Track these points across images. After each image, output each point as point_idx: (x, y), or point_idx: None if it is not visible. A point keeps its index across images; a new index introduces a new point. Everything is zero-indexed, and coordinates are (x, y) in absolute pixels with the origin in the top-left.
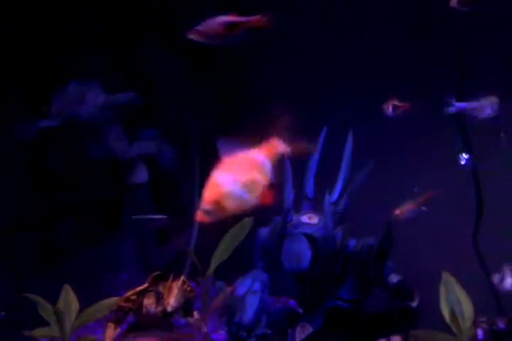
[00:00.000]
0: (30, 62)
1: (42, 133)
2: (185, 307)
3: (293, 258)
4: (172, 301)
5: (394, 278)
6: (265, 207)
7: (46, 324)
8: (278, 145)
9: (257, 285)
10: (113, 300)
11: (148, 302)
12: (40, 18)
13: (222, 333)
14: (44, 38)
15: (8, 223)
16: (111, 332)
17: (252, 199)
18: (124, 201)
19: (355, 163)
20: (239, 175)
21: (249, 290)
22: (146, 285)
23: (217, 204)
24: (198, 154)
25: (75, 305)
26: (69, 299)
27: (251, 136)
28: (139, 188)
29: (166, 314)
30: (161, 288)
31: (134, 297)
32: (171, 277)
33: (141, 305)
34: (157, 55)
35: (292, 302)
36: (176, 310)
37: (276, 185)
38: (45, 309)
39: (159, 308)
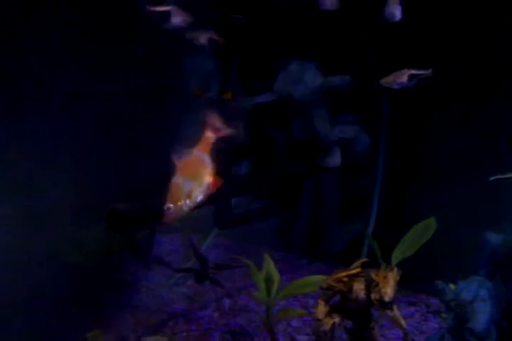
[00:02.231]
0: (257, 43)
1: (258, 108)
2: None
3: None
4: (390, 291)
5: None
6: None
7: None
8: (210, 139)
9: (484, 293)
10: (321, 277)
11: (359, 287)
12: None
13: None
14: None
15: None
16: (322, 308)
17: (202, 189)
18: (312, 182)
19: None
20: (187, 173)
21: (478, 297)
22: (358, 269)
23: (176, 202)
24: (383, 145)
25: (275, 275)
26: (270, 269)
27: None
28: (330, 171)
29: (382, 303)
30: (373, 276)
31: (346, 279)
32: (384, 266)
33: (350, 289)
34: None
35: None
36: (391, 301)
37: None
38: (256, 275)
39: (375, 296)
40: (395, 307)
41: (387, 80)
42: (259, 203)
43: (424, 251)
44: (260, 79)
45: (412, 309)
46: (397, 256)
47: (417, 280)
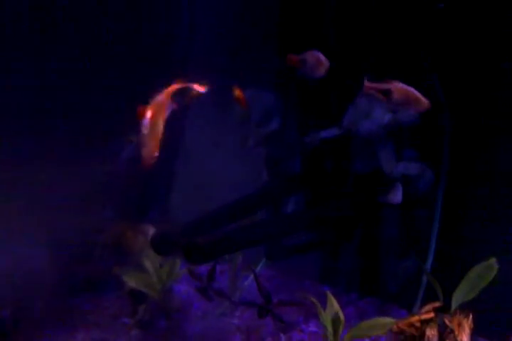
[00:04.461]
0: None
1: (324, 142)
2: None
3: None
4: (465, 339)
5: None
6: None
7: None
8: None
9: None
10: (390, 320)
11: (431, 333)
12: None
13: None
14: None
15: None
16: None
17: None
18: (370, 217)
19: None
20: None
21: None
22: (431, 314)
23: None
24: (444, 180)
25: (341, 315)
26: (335, 308)
27: None
28: (390, 208)
29: None
30: (446, 321)
31: (418, 324)
32: (458, 311)
33: (423, 334)
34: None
35: None
36: None
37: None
38: (322, 315)
39: None
40: None
41: None
42: (311, 234)
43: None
44: (323, 114)
45: None
46: (457, 298)
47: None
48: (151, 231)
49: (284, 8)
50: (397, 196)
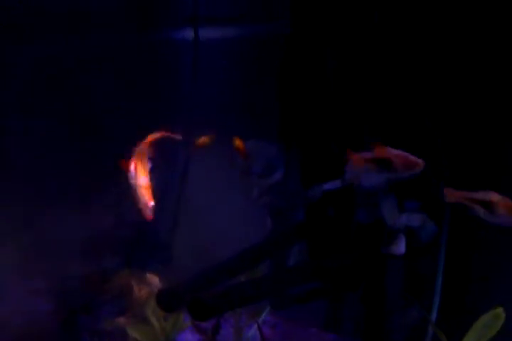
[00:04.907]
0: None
1: (326, 195)
2: None
3: None
4: None
5: None
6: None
7: None
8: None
9: None
10: None
11: None
12: None
13: None
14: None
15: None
16: None
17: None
18: (374, 267)
19: None
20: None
21: None
22: None
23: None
24: (446, 229)
25: None
26: None
27: None
28: (394, 259)
29: None
30: None
31: None
32: None
33: None
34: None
35: None
36: None
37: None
38: None
39: None
40: None
41: None
42: (316, 283)
43: None
44: (326, 167)
45: None
46: None
47: None
48: (156, 281)
49: (286, 62)
50: (400, 247)
